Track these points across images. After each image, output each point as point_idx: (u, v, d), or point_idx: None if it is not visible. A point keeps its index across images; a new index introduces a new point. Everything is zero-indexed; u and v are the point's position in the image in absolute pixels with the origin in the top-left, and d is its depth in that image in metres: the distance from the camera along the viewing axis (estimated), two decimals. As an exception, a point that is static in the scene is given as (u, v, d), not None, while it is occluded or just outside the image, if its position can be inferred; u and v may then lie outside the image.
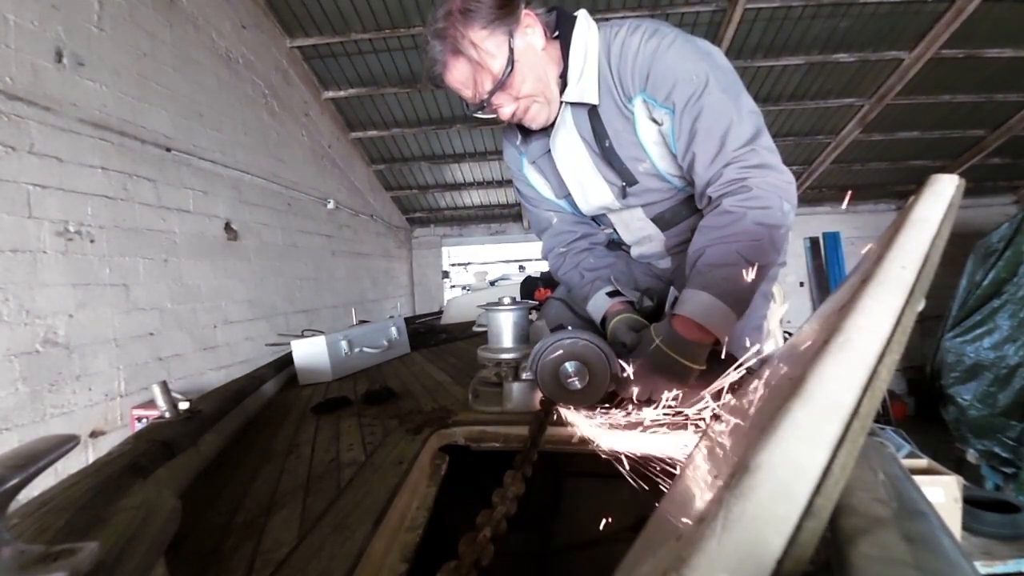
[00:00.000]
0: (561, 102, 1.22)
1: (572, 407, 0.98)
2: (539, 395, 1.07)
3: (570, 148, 1.29)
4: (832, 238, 7.22)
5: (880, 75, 4.93)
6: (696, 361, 1.00)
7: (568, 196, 1.41)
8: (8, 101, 2.16)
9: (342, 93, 5.07)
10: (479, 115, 1.19)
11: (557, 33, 1.19)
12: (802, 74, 4.95)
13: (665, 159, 1.24)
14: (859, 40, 4.52)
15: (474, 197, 7.49)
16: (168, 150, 3.02)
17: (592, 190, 1.34)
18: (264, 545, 0.68)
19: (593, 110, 1.22)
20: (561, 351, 0.98)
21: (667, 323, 1.05)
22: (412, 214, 7.89)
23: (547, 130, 1.29)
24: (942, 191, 0.43)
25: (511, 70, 1.10)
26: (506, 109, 1.17)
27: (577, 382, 0.98)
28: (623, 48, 1.14)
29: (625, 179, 1.28)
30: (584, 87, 1.18)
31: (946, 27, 4.22)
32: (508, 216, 7.90)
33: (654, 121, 1.18)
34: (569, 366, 0.98)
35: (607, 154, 1.25)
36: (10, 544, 0.38)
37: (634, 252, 1.53)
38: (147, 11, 2.96)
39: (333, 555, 0.63)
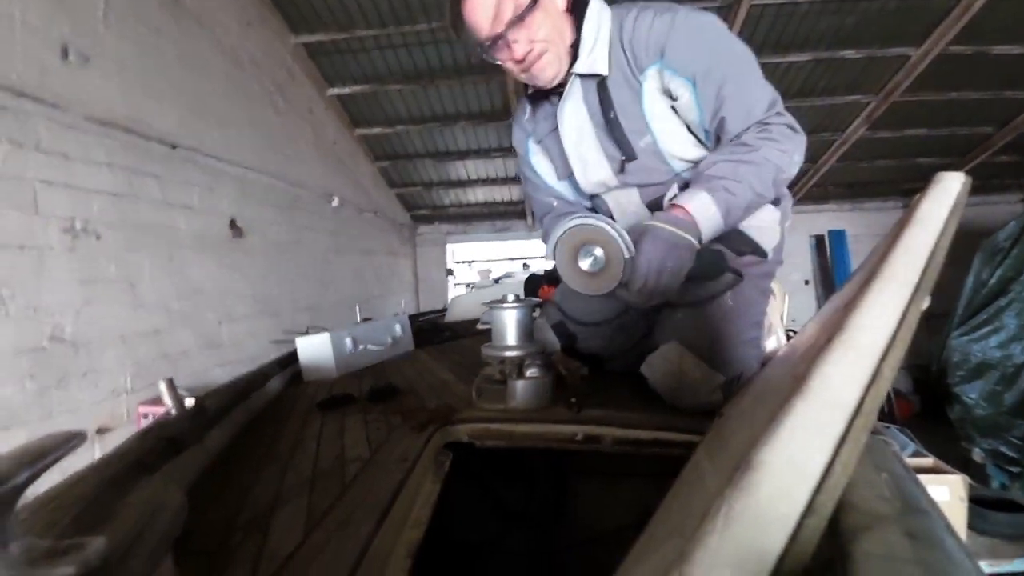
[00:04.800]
0: (571, 73, 1.26)
1: (589, 292, 1.08)
2: (553, 392, 1.08)
3: (576, 118, 1.33)
4: (837, 236, 7.19)
5: (887, 72, 4.88)
6: (690, 234, 1.08)
7: (570, 177, 1.45)
8: (14, 98, 2.16)
9: (347, 90, 5.06)
10: (486, 58, 1.22)
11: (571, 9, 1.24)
12: (808, 71, 4.90)
13: (667, 135, 1.27)
14: (866, 36, 4.47)
15: (479, 194, 7.48)
16: (174, 147, 3.02)
17: (592, 164, 1.38)
18: (269, 541, 0.69)
19: (602, 82, 1.26)
20: (578, 234, 1.07)
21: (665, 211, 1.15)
22: (416, 211, 7.88)
23: (555, 100, 1.33)
24: (948, 189, 0.43)
25: (535, 5, 1.15)
26: (520, 47, 1.19)
27: (593, 265, 1.06)
28: (636, 23, 1.20)
29: (625, 153, 1.31)
30: (595, 59, 1.23)
31: (953, 24, 4.17)
32: (513, 213, 7.88)
33: (667, 95, 1.23)
34: (587, 250, 1.06)
35: (611, 126, 1.29)
36: (19, 539, 0.39)
37: None
38: (152, 8, 2.97)
39: (337, 551, 0.64)
